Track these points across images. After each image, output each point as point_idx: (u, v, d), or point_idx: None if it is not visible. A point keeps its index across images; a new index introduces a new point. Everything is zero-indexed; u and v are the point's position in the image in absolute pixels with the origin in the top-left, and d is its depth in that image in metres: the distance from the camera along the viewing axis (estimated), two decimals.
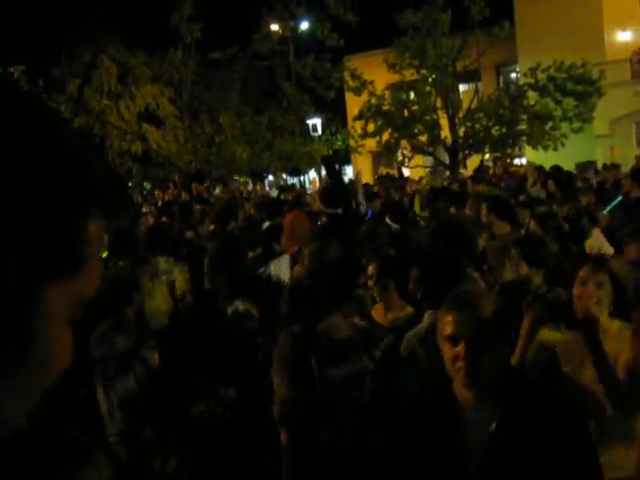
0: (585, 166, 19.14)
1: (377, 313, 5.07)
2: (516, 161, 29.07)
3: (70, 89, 25.31)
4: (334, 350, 4.05)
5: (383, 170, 27.16)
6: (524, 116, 22.69)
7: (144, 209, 14.52)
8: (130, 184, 30.35)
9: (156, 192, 20.95)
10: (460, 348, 2.26)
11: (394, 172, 24.76)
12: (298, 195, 11.68)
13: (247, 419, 4.18)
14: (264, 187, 21.33)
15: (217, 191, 18.79)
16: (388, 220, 8.65)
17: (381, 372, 4.21)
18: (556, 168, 14.75)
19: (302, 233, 6.75)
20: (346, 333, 4.22)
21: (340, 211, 7.12)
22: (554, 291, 4.39)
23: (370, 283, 5.01)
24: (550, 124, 22.44)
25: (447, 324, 2.32)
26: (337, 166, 8.13)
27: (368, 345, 4.30)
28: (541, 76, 22.34)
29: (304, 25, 26.46)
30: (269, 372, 4.21)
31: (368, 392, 4.08)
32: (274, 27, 25.72)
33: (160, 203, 16.53)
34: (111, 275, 4.95)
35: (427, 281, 4.14)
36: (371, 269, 5.08)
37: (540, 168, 14.45)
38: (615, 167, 14.30)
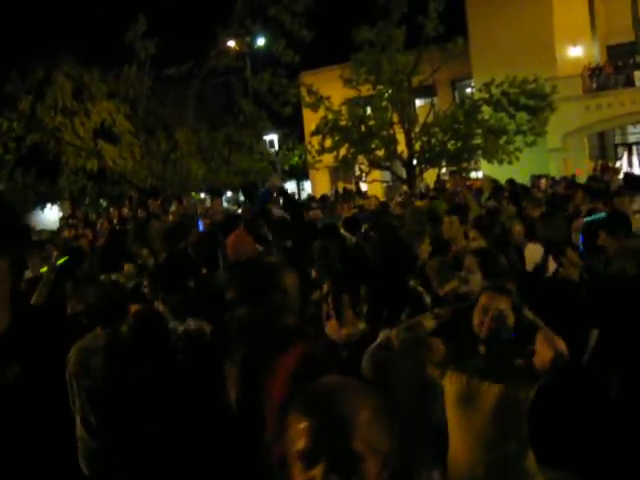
0: (538, 178, 19.47)
1: (331, 329, 5.05)
2: (472, 174, 29.47)
3: (22, 106, 24.89)
4: None
5: (341, 185, 27.29)
6: (479, 130, 22.98)
7: (99, 226, 14.32)
8: (86, 201, 29.97)
9: (111, 209, 20.71)
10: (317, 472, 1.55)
11: (352, 187, 24.89)
12: (241, 214, 11.63)
13: (192, 434, 4.11)
14: (221, 203, 21.18)
15: (172, 208, 18.60)
16: (343, 231, 8.67)
17: None
18: (511, 182, 14.95)
19: (245, 252, 6.69)
20: None
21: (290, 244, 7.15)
22: None
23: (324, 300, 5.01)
24: (504, 138, 22.75)
25: (299, 435, 1.59)
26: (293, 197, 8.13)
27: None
28: (495, 91, 22.66)
29: (260, 41, 26.48)
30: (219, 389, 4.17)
31: None
32: (230, 43, 25.67)
33: (115, 220, 16.33)
34: (102, 291, 4.99)
35: (372, 298, 4.13)
36: (325, 286, 5.08)
37: (495, 182, 14.61)
38: (566, 180, 14.55)
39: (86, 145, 25.66)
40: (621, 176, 15.76)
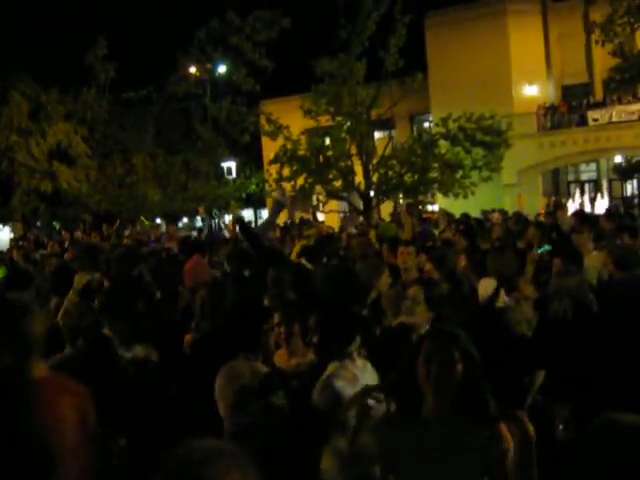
0: (488, 213, 19.77)
1: (280, 359, 4.99)
2: (428, 207, 29.75)
3: None
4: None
5: (298, 214, 27.30)
6: (436, 164, 23.24)
7: (49, 249, 14.06)
8: (38, 224, 29.50)
9: (63, 232, 20.38)
10: None
11: (309, 216, 24.90)
12: (199, 240, 11.57)
13: (138, 467, 3.99)
14: (175, 229, 21.02)
15: (127, 232, 18.40)
16: (304, 261, 8.62)
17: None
18: (465, 216, 15.11)
19: (202, 279, 6.63)
20: (246, 379, 4.14)
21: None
22: None
23: (276, 329, 4.95)
24: (460, 172, 23.04)
25: None
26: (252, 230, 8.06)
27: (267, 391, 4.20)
28: (452, 126, 22.98)
29: (221, 69, 26.50)
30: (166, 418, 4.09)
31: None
32: (191, 69, 25.66)
33: (67, 244, 16.05)
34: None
35: (320, 329, 4.08)
36: (276, 315, 5.03)
37: (450, 215, 14.80)
38: (517, 215, 14.79)
39: (41, 166, 25.28)
40: (569, 213, 16.07)
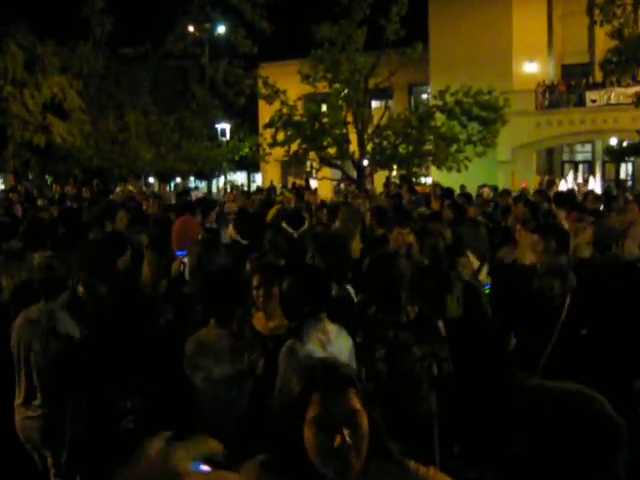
0: (481, 188, 19.76)
1: (259, 321, 5.02)
2: (422, 180, 29.78)
3: None
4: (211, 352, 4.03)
5: (291, 179, 27.27)
6: (431, 137, 23.20)
7: (39, 202, 14.01)
8: (30, 177, 29.35)
9: (54, 186, 20.29)
10: None
11: (302, 182, 24.90)
12: (188, 200, 11.53)
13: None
14: (166, 189, 21.01)
15: (118, 189, 18.37)
16: (285, 226, 8.64)
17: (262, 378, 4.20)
18: (449, 190, 15.03)
19: (191, 239, 6.63)
20: (222, 338, 4.18)
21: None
22: None
23: (255, 291, 4.97)
24: (455, 146, 23.01)
25: None
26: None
27: (245, 350, 4.25)
28: (449, 99, 22.90)
29: (220, 29, 26.25)
30: None
31: (247, 395, 4.05)
32: (189, 28, 25.41)
33: (56, 197, 16.01)
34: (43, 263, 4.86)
35: (291, 292, 4.12)
36: (255, 278, 5.05)
37: (439, 187, 14.78)
38: (507, 193, 14.74)
39: (34, 119, 25.09)
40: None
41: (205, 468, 1.10)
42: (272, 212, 8.51)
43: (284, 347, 3.98)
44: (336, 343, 4.12)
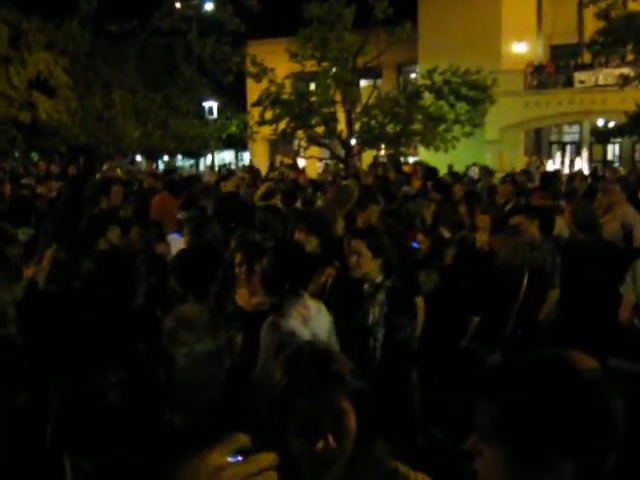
0: (470, 168, 19.84)
1: (241, 298, 5.07)
2: (410, 160, 29.78)
3: None
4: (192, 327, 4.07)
5: (278, 158, 27.23)
6: (419, 116, 23.16)
7: (24, 180, 13.94)
8: (16, 154, 29.11)
9: (40, 164, 20.17)
10: None
11: (289, 160, 24.87)
12: (170, 179, 11.53)
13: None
14: (153, 166, 20.92)
15: (105, 167, 18.28)
16: (279, 202, 8.69)
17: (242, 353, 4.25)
18: (432, 169, 15.11)
19: (168, 216, 6.65)
20: (202, 314, 4.21)
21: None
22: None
23: (237, 268, 5.01)
24: (443, 126, 23.00)
25: None
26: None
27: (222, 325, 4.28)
28: (437, 79, 22.85)
29: (208, 5, 26.04)
30: None
31: (225, 371, 4.10)
32: (177, 5, 25.17)
33: (42, 174, 15.94)
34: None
35: (273, 268, 4.16)
36: (238, 255, 5.09)
37: (421, 165, 14.83)
38: (489, 174, 14.82)
39: (20, 96, 24.82)
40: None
41: (240, 458, 1.19)
42: (261, 189, 8.53)
43: (266, 322, 4.03)
44: (316, 319, 4.17)
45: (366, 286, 4.61)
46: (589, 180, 13.94)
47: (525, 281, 5.56)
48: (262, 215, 6.94)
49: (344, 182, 10.86)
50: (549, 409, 1.36)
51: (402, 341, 4.51)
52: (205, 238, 5.82)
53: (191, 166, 39.76)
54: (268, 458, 1.21)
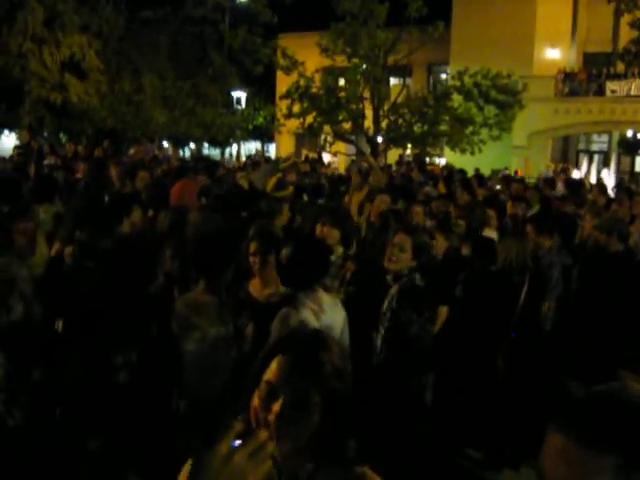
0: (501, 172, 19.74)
1: (254, 288, 5.09)
2: (436, 160, 29.70)
3: None
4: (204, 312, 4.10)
5: (304, 152, 27.26)
6: (447, 117, 23.09)
7: (46, 161, 14.08)
8: (45, 134, 29.40)
9: (67, 145, 20.34)
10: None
11: (314, 155, 24.91)
12: (184, 164, 11.58)
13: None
14: (177, 153, 21.04)
15: (132, 151, 18.41)
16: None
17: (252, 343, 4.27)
18: (454, 170, 15.07)
19: (189, 202, 6.70)
20: (212, 301, 4.25)
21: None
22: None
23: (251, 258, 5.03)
24: (471, 128, 22.93)
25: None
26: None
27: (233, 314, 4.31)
28: (468, 80, 22.76)
29: None
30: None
31: (233, 360, 4.12)
32: None
33: (70, 155, 16.08)
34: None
35: (290, 259, 4.18)
36: (252, 245, 5.10)
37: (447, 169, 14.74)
38: (509, 182, 14.71)
39: (52, 77, 25.08)
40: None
41: (239, 442, 1.33)
42: (272, 181, 8.55)
43: (279, 314, 4.04)
44: (329, 313, 4.18)
45: (388, 277, 4.68)
46: (613, 191, 13.81)
47: (525, 287, 5.61)
48: (266, 205, 6.98)
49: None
50: None
51: (412, 336, 4.53)
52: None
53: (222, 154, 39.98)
54: (262, 437, 1.46)
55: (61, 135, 31.34)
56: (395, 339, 4.55)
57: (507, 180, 14.03)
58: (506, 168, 23.17)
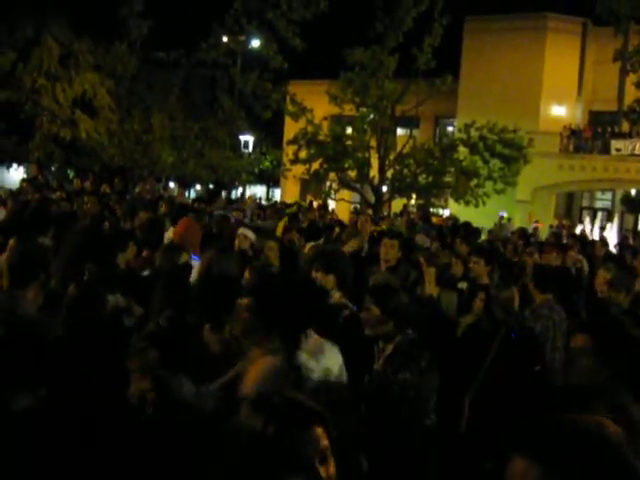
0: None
1: None
2: (440, 211, 29.82)
3: (1, 61, 24.62)
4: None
5: (309, 198, 27.39)
6: (452, 169, 23.22)
7: (54, 195, 14.18)
8: (53, 169, 29.67)
9: (74, 180, 20.51)
10: None
11: (320, 201, 25.02)
12: (187, 203, 11.69)
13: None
14: (183, 194, 21.19)
15: (137, 190, 18.53)
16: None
17: None
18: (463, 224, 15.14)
19: (192, 241, 6.73)
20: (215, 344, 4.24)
21: None
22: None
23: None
24: (475, 181, 23.02)
25: None
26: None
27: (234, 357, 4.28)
28: (474, 134, 22.95)
29: (253, 42, 26.55)
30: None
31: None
32: (224, 39, 25.66)
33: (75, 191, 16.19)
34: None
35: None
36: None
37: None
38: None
39: (63, 113, 25.42)
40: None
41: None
42: (280, 225, 8.63)
43: (269, 363, 4.00)
44: (327, 356, 4.15)
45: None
46: (615, 248, 13.86)
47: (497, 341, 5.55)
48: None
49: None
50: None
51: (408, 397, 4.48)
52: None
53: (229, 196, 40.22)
54: None
55: (69, 171, 31.62)
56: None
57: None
58: (509, 219, 23.23)
